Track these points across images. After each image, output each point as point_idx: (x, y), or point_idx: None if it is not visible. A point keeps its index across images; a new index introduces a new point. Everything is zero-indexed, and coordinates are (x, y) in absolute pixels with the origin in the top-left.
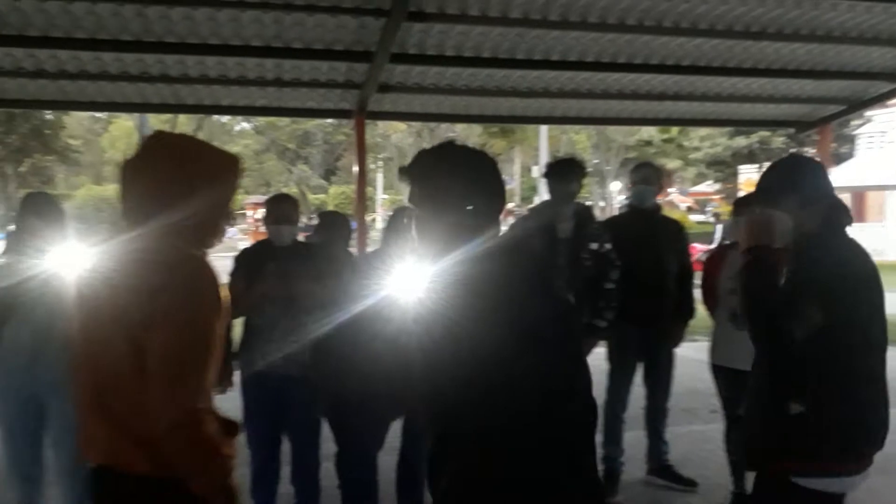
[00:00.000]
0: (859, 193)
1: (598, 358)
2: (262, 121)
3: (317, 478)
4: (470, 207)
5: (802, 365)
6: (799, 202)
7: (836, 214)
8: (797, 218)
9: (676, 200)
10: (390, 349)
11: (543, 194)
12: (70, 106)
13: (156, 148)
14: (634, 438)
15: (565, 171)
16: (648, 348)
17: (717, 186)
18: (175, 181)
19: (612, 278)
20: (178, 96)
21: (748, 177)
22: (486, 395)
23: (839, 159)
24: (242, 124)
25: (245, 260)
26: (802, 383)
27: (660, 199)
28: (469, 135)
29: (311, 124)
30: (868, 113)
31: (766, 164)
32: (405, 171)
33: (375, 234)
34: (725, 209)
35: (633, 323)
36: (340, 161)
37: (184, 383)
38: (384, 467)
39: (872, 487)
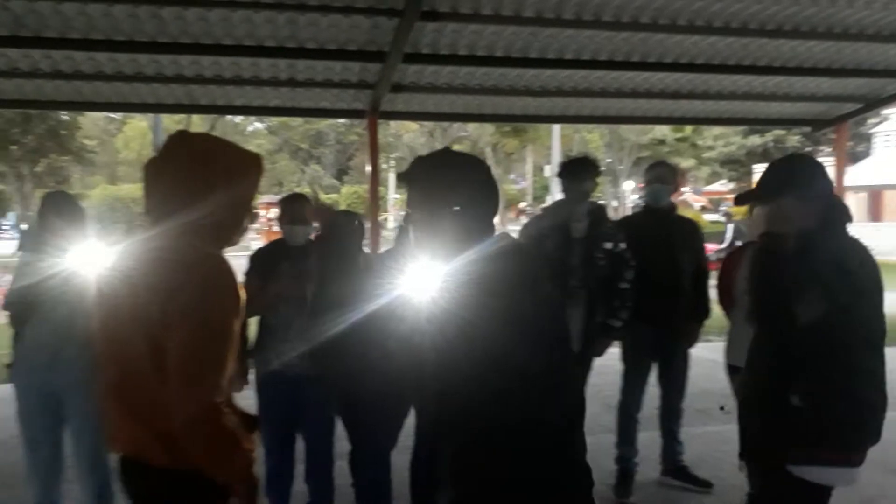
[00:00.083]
0: (876, 192)
1: (612, 358)
2: (274, 121)
3: (331, 476)
4: (457, 208)
5: (805, 356)
6: (799, 199)
7: (836, 212)
8: (797, 215)
9: (690, 199)
10: (403, 348)
11: (556, 193)
12: (86, 107)
13: (177, 147)
14: (649, 439)
15: (579, 170)
16: (663, 348)
17: (731, 185)
18: (195, 180)
19: (627, 278)
20: (192, 97)
21: None
22: (499, 394)
23: (856, 158)
24: (255, 124)
25: (259, 259)
26: (805, 374)
27: (674, 199)
28: (481, 134)
29: (324, 124)
30: (885, 111)
31: None
32: (403, 176)
33: (387, 234)
34: (737, 209)
35: (648, 323)
36: (352, 161)
37: (201, 380)
38: (398, 466)
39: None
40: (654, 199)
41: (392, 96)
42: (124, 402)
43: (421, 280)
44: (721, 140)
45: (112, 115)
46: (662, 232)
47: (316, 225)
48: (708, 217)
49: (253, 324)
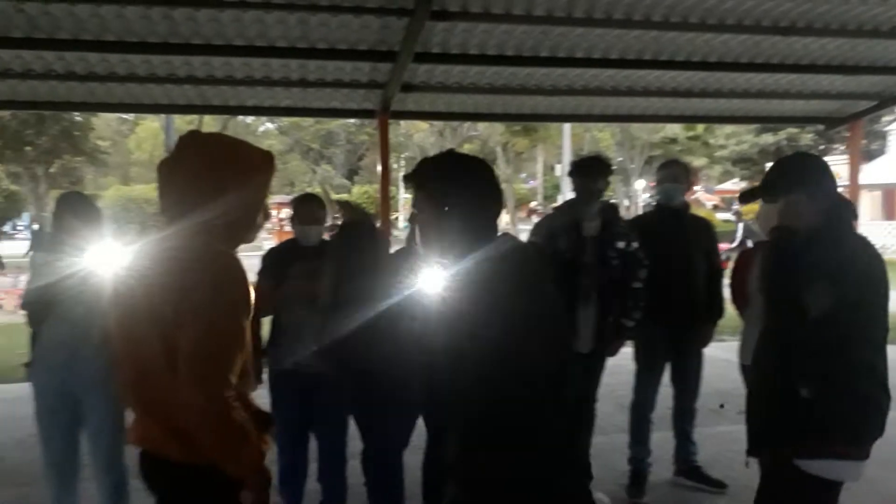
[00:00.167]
0: (890, 190)
1: (625, 358)
2: (285, 121)
3: (344, 475)
4: (446, 209)
5: (813, 349)
6: (809, 196)
7: (842, 210)
8: (807, 211)
9: (703, 198)
10: (415, 348)
11: (567, 193)
12: (99, 108)
13: (189, 148)
14: (662, 439)
15: (591, 169)
16: (676, 348)
17: (744, 184)
18: (208, 180)
19: (640, 277)
20: (204, 97)
21: None
22: (502, 393)
23: (870, 156)
24: (266, 125)
25: (272, 259)
26: (813, 367)
27: (687, 198)
28: (491, 133)
29: (335, 124)
30: None
31: None
32: (409, 178)
33: (398, 233)
34: (747, 208)
35: (661, 323)
36: (363, 161)
37: (209, 375)
38: (410, 466)
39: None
40: (667, 198)
41: (402, 96)
42: (140, 398)
43: (429, 280)
44: (733, 138)
45: (124, 116)
46: (676, 231)
47: (336, 220)
48: (720, 216)
49: (266, 323)
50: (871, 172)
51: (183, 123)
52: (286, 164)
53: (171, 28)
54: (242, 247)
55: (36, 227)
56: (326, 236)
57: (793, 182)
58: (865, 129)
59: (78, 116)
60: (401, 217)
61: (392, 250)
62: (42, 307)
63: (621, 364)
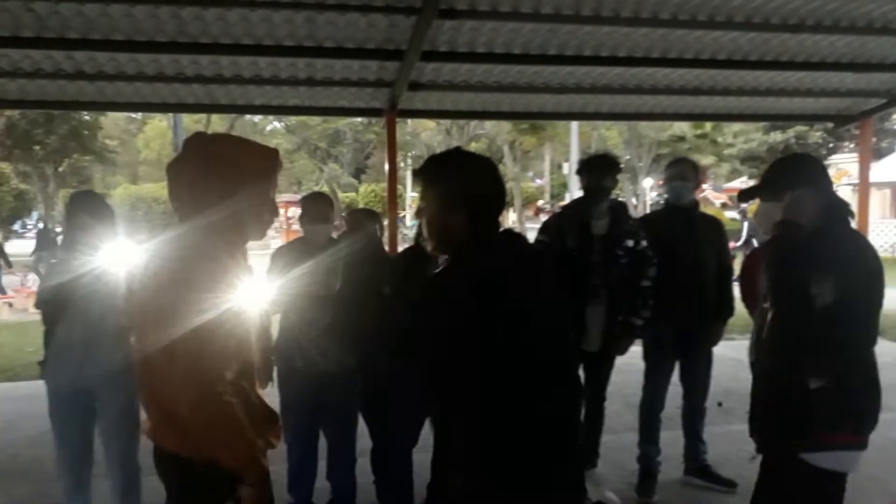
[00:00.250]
0: None
1: (634, 356)
2: (293, 120)
3: (353, 474)
4: (451, 204)
5: (821, 342)
6: (812, 192)
7: (839, 209)
8: (809, 207)
9: (711, 197)
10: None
11: (574, 191)
12: (108, 107)
13: (194, 149)
14: (671, 438)
15: (599, 168)
16: (686, 347)
17: (752, 182)
18: (212, 180)
19: (649, 276)
20: (212, 96)
21: None
22: (500, 387)
23: (880, 154)
24: (274, 124)
25: (281, 258)
26: (822, 359)
27: (695, 196)
28: (499, 132)
29: (342, 123)
30: None
31: None
32: (417, 173)
33: (405, 232)
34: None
35: (671, 321)
36: (370, 159)
37: (202, 371)
38: (419, 464)
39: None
40: (676, 197)
41: (410, 94)
42: (145, 392)
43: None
44: (741, 137)
45: (133, 115)
46: (685, 229)
47: (339, 223)
48: (728, 214)
49: (275, 321)
50: (881, 170)
51: (191, 122)
52: (293, 162)
53: (180, 27)
54: (250, 245)
55: (41, 225)
56: (335, 235)
57: (797, 179)
58: (875, 126)
59: (87, 116)
60: (408, 216)
61: (399, 249)
62: (57, 306)
63: (630, 363)
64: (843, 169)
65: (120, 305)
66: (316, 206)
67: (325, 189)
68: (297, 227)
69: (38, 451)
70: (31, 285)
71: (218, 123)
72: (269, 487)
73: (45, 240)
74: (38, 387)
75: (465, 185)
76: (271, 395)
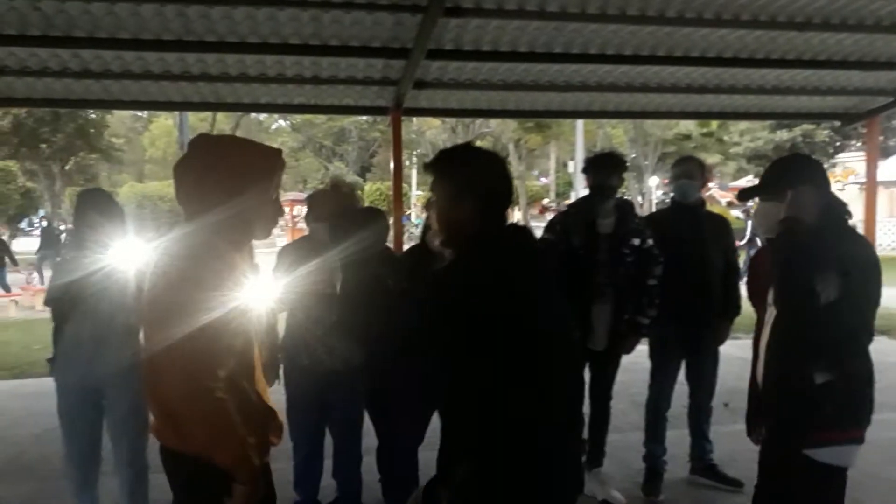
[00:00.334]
0: None
1: (640, 355)
2: (298, 118)
3: (359, 472)
4: (460, 196)
5: (827, 337)
6: (814, 189)
7: (838, 208)
8: (811, 204)
9: (717, 195)
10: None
11: (580, 190)
12: (114, 105)
13: (198, 150)
14: (677, 437)
15: (605, 166)
16: (692, 346)
17: (757, 181)
18: (215, 181)
19: (655, 274)
20: (218, 95)
21: None
22: (503, 387)
23: (887, 152)
24: (279, 122)
25: (287, 256)
26: (828, 354)
27: (702, 194)
28: (504, 130)
29: (347, 121)
30: None
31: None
32: (428, 167)
33: (413, 231)
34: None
35: (677, 320)
36: (375, 157)
37: (194, 367)
38: (425, 462)
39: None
40: (682, 195)
41: (415, 93)
42: (149, 389)
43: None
44: (747, 135)
45: (139, 113)
46: (691, 228)
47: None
48: (734, 213)
49: (282, 319)
50: (888, 169)
51: (196, 121)
52: (299, 161)
53: (186, 25)
54: (256, 243)
55: (44, 224)
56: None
57: (798, 177)
58: (882, 125)
59: (93, 114)
60: (413, 213)
61: (405, 247)
62: (67, 303)
63: (636, 362)
64: (850, 167)
65: (129, 303)
66: (322, 204)
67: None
68: (302, 225)
69: (44, 448)
70: (36, 283)
71: (223, 122)
72: (262, 486)
73: (49, 238)
74: (45, 384)
75: (474, 179)
76: (277, 393)
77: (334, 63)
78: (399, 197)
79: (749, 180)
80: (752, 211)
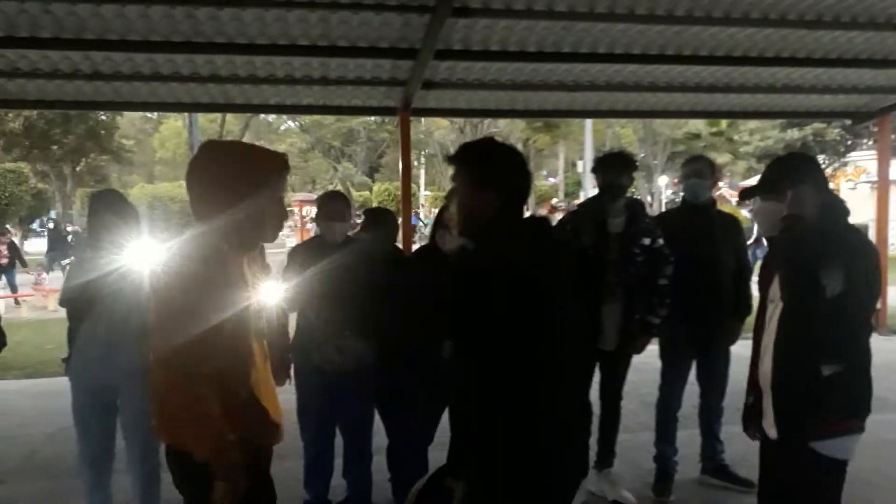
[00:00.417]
0: None
1: (650, 355)
2: (307, 119)
3: (369, 471)
4: (482, 186)
5: (833, 330)
6: (815, 187)
7: (837, 206)
8: (812, 201)
9: (726, 194)
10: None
11: (589, 189)
12: (124, 106)
13: (205, 156)
14: (688, 437)
15: (615, 165)
16: (703, 346)
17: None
18: (221, 187)
19: (666, 274)
20: (227, 96)
21: None
22: (509, 383)
23: None
24: (288, 123)
25: (298, 256)
26: (835, 346)
27: (712, 194)
28: (512, 130)
29: (355, 122)
30: None
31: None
32: (451, 159)
33: (423, 230)
34: None
35: (688, 320)
36: (384, 158)
37: (175, 360)
38: (435, 462)
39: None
40: (693, 195)
41: (423, 93)
42: (151, 388)
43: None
44: (757, 134)
45: (149, 114)
46: (702, 227)
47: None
48: (744, 212)
49: (292, 319)
50: None
51: (206, 122)
52: (308, 161)
53: (195, 27)
54: (266, 245)
55: (51, 226)
56: (351, 233)
57: (798, 176)
58: (894, 123)
59: (103, 115)
60: (421, 213)
61: (414, 247)
62: (82, 303)
63: (647, 362)
64: (861, 166)
65: (144, 304)
66: (332, 205)
67: (339, 188)
68: (311, 226)
69: (57, 447)
70: (46, 283)
71: (233, 123)
72: (243, 483)
73: (56, 240)
74: (57, 384)
75: (495, 171)
76: (288, 393)
77: (343, 64)
78: (408, 197)
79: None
80: (754, 211)
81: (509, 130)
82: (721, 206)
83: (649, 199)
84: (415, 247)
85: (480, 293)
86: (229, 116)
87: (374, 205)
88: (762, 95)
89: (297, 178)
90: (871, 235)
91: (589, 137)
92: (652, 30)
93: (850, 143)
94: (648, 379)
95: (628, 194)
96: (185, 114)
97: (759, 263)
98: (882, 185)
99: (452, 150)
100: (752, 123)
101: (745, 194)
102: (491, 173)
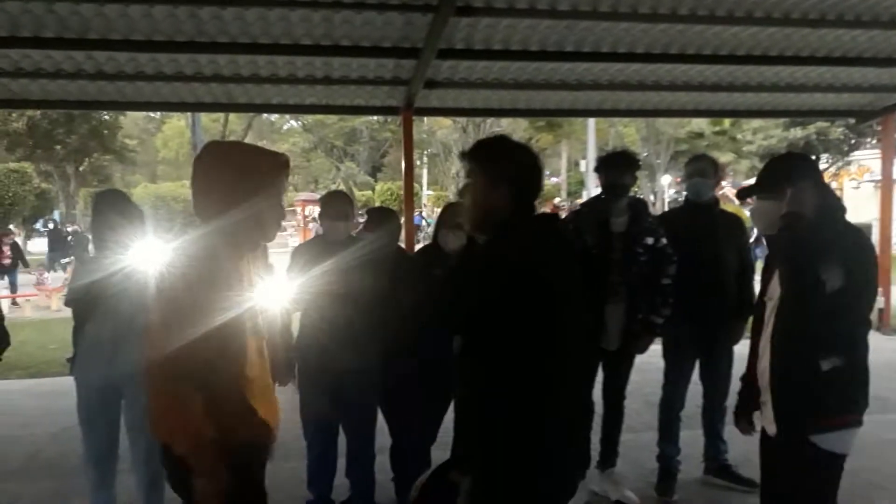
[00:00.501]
0: None
1: (653, 355)
2: (309, 119)
3: (372, 471)
4: (496, 182)
5: (832, 325)
6: (813, 185)
7: (834, 204)
8: (810, 199)
9: (729, 194)
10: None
11: (592, 189)
12: (127, 106)
13: (206, 158)
14: (691, 437)
15: (618, 164)
16: (706, 346)
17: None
18: (221, 188)
19: (669, 273)
20: (230, 95)
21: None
22: (517, 382)
23: None
24: (291, 123)
25: (301, 256)
26: (833, 341)
27: (716, 193)
28: (515, 129)
29: (358, 121)
30: None
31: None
32: (465, 155)
33: (427, 230)
34: None
35: (691, 320)
36: (386, 157)
37: (159, 356)
38: (438, 462)
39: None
40: (696, 194)
41: (426, 92)
42: (144, 381)
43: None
44: (760, 133)
45: (152, 114)
46: (705, 227)
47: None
48: (747, 211)
49: (296, 319)
50: None
51: (209, 122)
52: (310, 161)
53: (198, 27)
54: (270, 244)
55: (51, 226)
56: (354, 232)
57: (797, 175)
58: None
59: (106, 115)
60: (424, 212)
61: (417, 247)
62: (88, 303)
63: (650, 361)
64: (865, 165)
65: (149, 304)
66: (335, 204)
67: (342, 187)
68: (313, 225)
69: (61, 447)
70: (49, 283)
71: (235, 122)
72: (221, 481)
73: (56, 240)
74: (61, 383)
75: (509, 168)
76: (292, 392)
77: (345, 63)
78: (410, 197)
79: None
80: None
81: (512, 130)
82: (724, 206)
83: (652, 198)
84: (417, 246)
85: (491, 289)
86: (232, 116)
87: (377, 204)
88: (766, 94)
89: (300, 178)
90: (875, 234)
91: (592, 137)
92: (655, 28)
93: (853, 141)
94: (651, 378)
95: (631, 193)
96: (189, 113)
97: (760, 262)
98: (886, 184)
99: (456, 150)
100: (756, 122)
101: (743, 193)
102: (505, 171)
